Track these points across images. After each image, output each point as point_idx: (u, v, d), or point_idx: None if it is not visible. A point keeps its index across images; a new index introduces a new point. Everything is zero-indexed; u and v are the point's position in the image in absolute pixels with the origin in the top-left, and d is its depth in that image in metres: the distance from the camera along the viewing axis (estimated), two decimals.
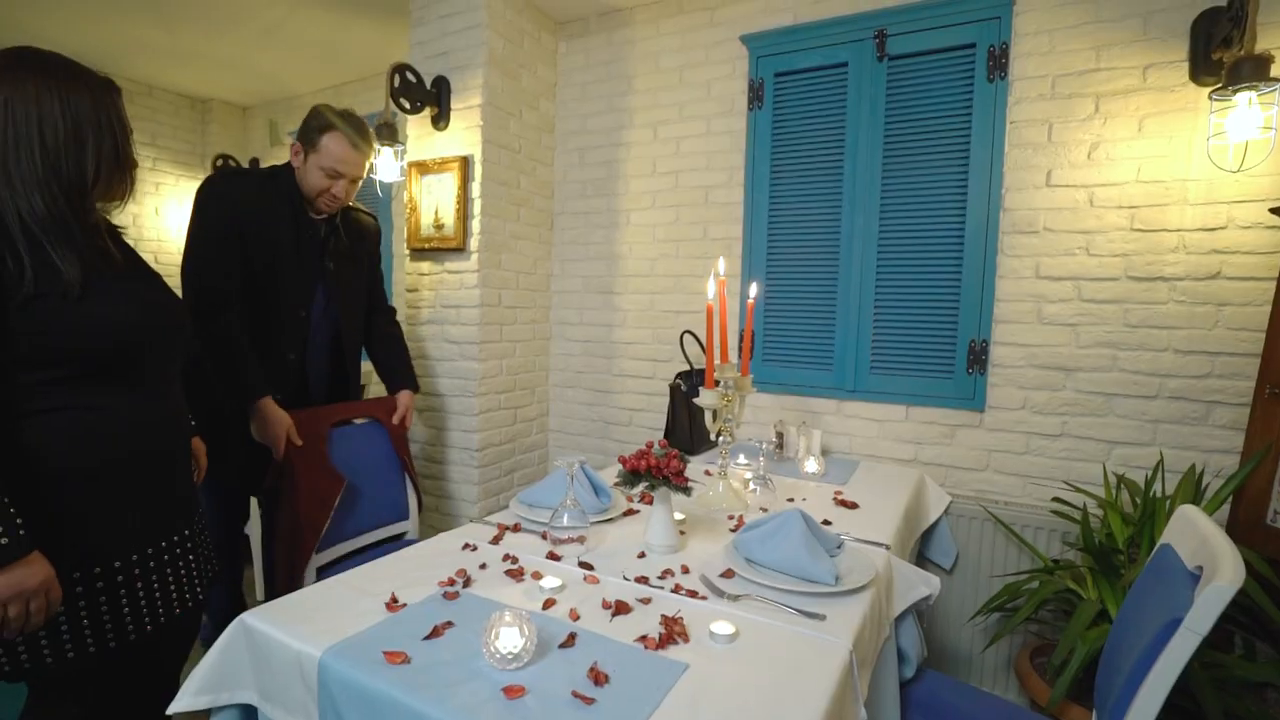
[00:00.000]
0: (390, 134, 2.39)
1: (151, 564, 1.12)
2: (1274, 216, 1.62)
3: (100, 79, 1.08)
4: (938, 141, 2.12)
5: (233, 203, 1.73)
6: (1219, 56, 1.67)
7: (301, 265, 1.83)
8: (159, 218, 3.89)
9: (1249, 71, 1.52)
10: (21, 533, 0.92)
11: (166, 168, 3.93)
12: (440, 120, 2.52)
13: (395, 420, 2.03)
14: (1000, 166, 2.03)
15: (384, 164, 2.45)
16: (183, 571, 1.18)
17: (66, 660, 1.02)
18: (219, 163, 3.98)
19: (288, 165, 1.84)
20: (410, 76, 2.45)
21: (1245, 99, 1.55)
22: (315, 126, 1.77)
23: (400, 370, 2.13)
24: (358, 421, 1.97)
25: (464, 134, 2.49)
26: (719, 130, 2.52)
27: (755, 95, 2.42)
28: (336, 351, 1.99)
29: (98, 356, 1.04)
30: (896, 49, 2.16)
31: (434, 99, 2.50)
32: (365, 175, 1.89)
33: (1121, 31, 1.87)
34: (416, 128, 2.61)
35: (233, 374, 1.70)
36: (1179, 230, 1.83)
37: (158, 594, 1.12)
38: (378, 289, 2.15)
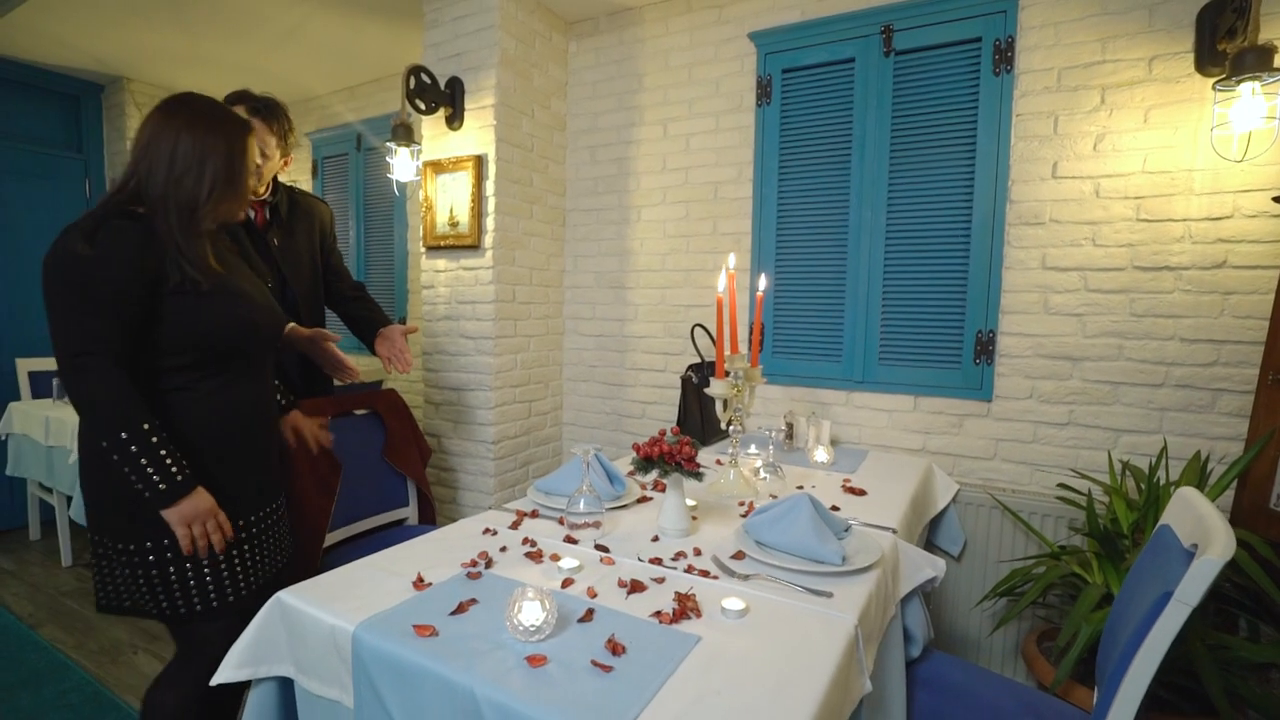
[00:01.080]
0: (406, 134, 2.45)
1: (267, 523, 1.41)
2: (1277, 205, 1.63)
3: (235, 121, 1.31)
4: (944, 135, 2.15)
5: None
6: (1224, 47, 1.69)
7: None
8: None
9: (1252, 62, 1.54)
10: (186, 470, 1.20)
11: None
12: (454, 120, 2.57)
13: (391, 356, 1.95)
14: (1006, 159, 2.06)
15: (400, 164, 2.51)
16: (281, 533, 1.48)
17: (212, 607, 1.29)
18: None
19: None
20: (425, 78, 2.50)
21: (1249, 89, 1.57)
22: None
23: (377, 316, 2.10)
24: (359, 413, 2.04)
25: (478, 133, 2.55)
26: (728, 126, 2.56)
27: (763, 91, 2.45)
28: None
29: (216, 345, 1.27)
30: (903, 44, 2.19)
31: (448, 99, 2.56)
32: (278, 149, 1.87)
33: (1127, 23, 1.89)
34: (431, 128, 2.66)
35: None
36: (1185, 220, 1.85)
37: (266, 552, 1.41)
38: (341, 268, 2.15)
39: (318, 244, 2.07)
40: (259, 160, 1.81)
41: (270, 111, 1.84)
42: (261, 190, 1.89)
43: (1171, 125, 1.85)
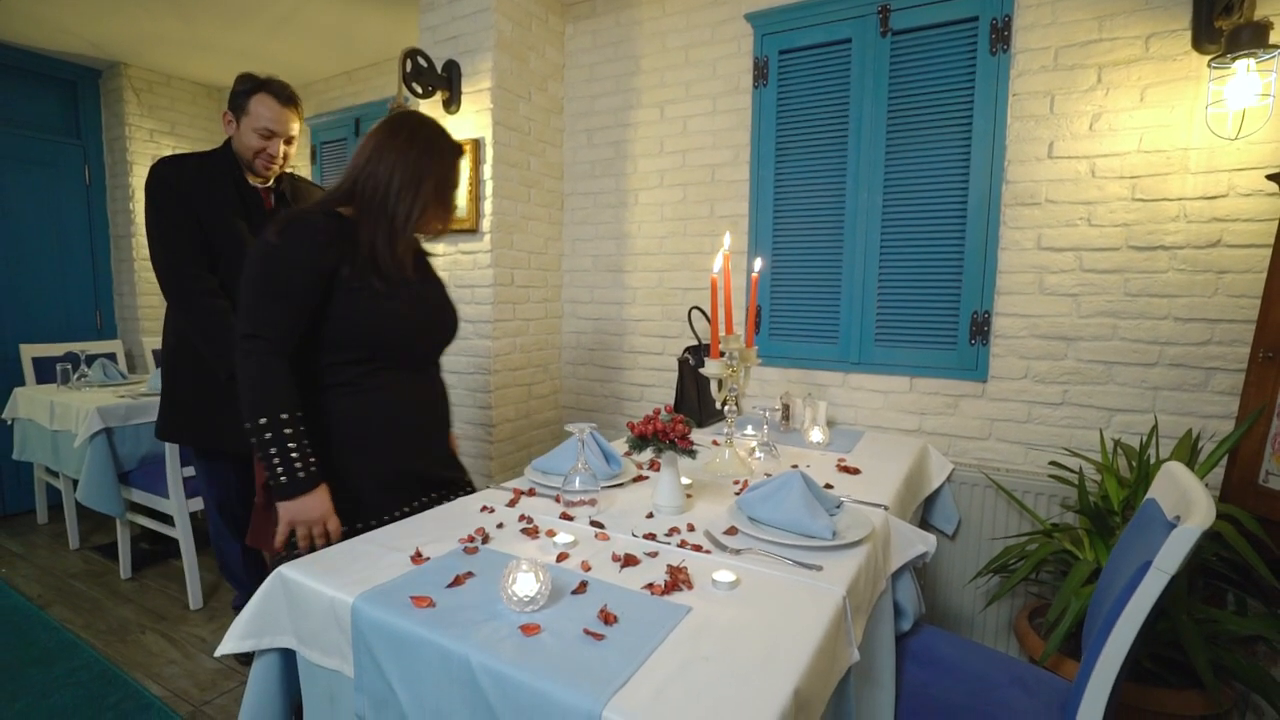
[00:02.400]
0: None
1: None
2: (1272, 184, 1.63)
3: (453, 146, 1.39)
4: (941, 116, 2.14)
5: (179, 184, 1.84)
6: (1220, 24, 1.68)
7: (253, 234, 1.90)
8: None
9: (1248, 38, 1.53)
10: (312, 470, 1.23)
11: None
12: (452, 104, 2.57)
13: None
14: (1003, 139, 2.06)
15: None
16: None
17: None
18: None
19: (226, 142, 1.93)
20: (421, 61, 2.50)
21: (1244, 66, 1.57)
22: (242, 91, 1.86)
23: None
24: None
25: (475, 117, 2.54)
26: (725, 109, 2.55)
27: (760, 73, 2.45)
28: None
29: (384, 342, 1.32)
30: (900, 24, 2.18)
31: (445, 83, 2.55)
32: (298, 136, 1.97)
33: (1124, 1, 1.88)
34: (429, 112, 2.64)
35: (220, 347, 1.81)
36: (1180, 199, 1.85)
37: None
38: None
39: None
40: (282, 141, 1.90)
41: (296, 98, 1.92)
42: (273, 172, 1.95)
43: (1168, 104, 1.84)
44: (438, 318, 1.46)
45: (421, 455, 1.43)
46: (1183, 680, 1.55)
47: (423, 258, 1.50)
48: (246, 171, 1.94)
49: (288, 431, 1.20)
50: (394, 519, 1.35)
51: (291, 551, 1.25)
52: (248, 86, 1.86)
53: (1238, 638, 1.60)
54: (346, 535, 1.28)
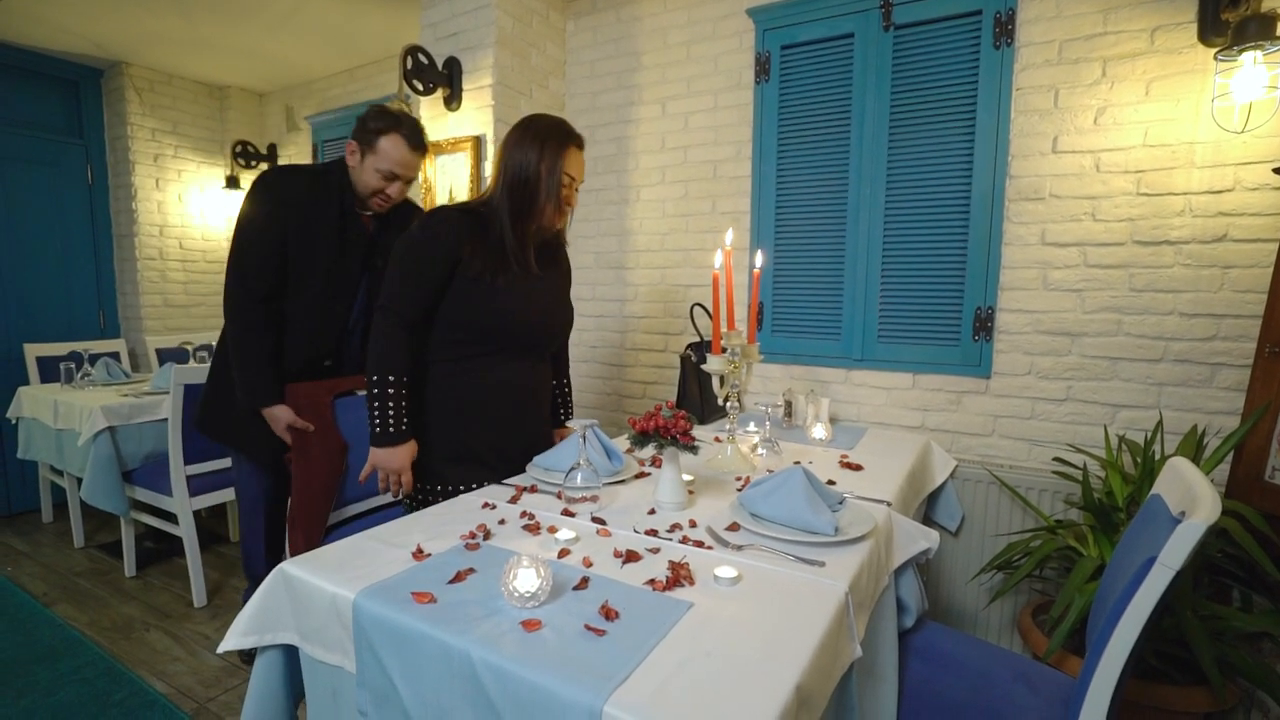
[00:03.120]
0: None
1: None
2: (1278, 177, 1.62)
3: (558, 135, 1.47)
4: (944, 110, 2.13)
5: (278, 198, 1.79)
6: (1226, 16, 1.67)
7: (344, 263, 1.86)
8: (181, 204, 4.00)
9: (1254, 30, 1.52)
10: (403, 428, 1.44)
11: (188, 155, 4.03)
12: (453, 101, 2.57)
13: None
14: (1006, 134, 2.04)
15: None
16: None
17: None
18: (238, 149, 4.07)
19: (341, 162, 1.85)
20: (422, 58, 2.50)
21: (1250, 59, 1.56)
22: (373, 129, 1.77)
23: None
24: (360, 393, 2.05)
25: (476, 114, 2.54)
26: (727, 104, 2.54)
27: (762, 68, 2.44)
28: None
29: (488, 331, 1.49)
30: (902, 18, 2.16)
31: (446, 80, 2.55)
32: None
33: None
34: (429, 109, 2.66)
35: (246, 376, 1.81)
36: (1185, 193, 1.84)
37: None
38: None
39: None
40: (402, 183, 1.86)
41: (426, 144, 1.87)
42: (383, 209, 1.90)
43: (1173, 97, 1.83)
44: (547, 316, 1.60)
45: (503, 439, 1.57)
46: (1187, 677, 1.54)
47: (551, 252, 1.62)
48: (356, 201, 1.87)
49: (391, 391, 1.41)
50: (454, 493, 1.50)
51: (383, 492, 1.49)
52: (381, 125, 1.76)
53: (1243, 634, 1.59)
54: (431, 492, 1.53)
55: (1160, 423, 1.80)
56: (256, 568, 2.13)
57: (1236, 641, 1.56)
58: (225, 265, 1.83)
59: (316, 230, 1.82)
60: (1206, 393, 1.85)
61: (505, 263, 1.47)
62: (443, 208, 1.49)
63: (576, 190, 1.55)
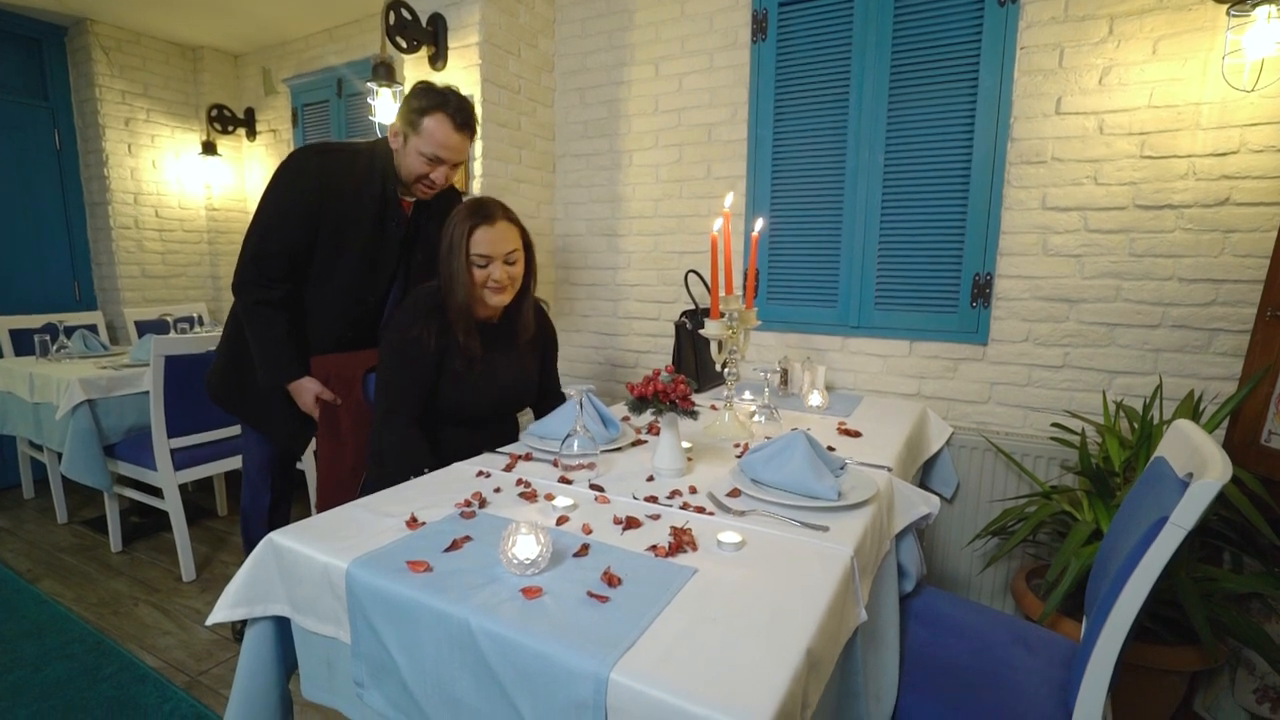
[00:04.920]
0: (388, 74, 2.36)
1: None
2: None
3: (477, 216, 1.49)
4: (945, 71, 2.08)
5: (319, 186, 1.63)
6: None
7: (380, 253, 1.72)
8: (156, 170, 3.85)
9: None
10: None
11: (161, 119, 3.87)
12: (438, 60, 2.47)
13: None
14: (1009, 95, 2.00)
15: (383, 105, 2.42)
16: None
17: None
18: (213, 113, 3.92)
19: (383, 142, 1.70)
20: (405, 14, 2.39)
21: (1265, 13, 1.51)
22: (416, 107, 1.60)
23: None
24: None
25: (462, 73, 2.45)
26: (722, 65, 2.47)
27: (759, 27, 2.36)
28: None
29: (448, 409, 1.57)
30: None
31: (430, 37, 2.45)
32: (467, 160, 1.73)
33: None
34: (414, 69, 2.56)
35: (264, 353, 1.69)
36: (1189, 156, 1.81)
37: None
38: None
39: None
40: (448, 168, 1.68)
41: (474, 123, 1.68)
42: (428, 196, 1.73)
43: (1180, 56, 1.79)
44: (505, 396, 1.64)
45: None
46: (1177, 637, 1.56)
47: (510, 326, 1.64)
48: (400, 188, 1.70)
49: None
50: None
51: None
52: (424, 103, 1.59)
53: (1233, 595, 1.61)
54: None
55: (1159, 387, 1.80)
56: (256, 533, 2.05)
57: (1225, 602, 1.57)
58: (242, 239, 1.68)
59: (355, 218, 1.66)
60: (1203, 358, 1.84)
61: (459, 351, 1.52)
62: (413, 304, 1.53)
63: (508, 263, 1.52)
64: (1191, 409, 1.71)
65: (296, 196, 1.63)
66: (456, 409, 1.57)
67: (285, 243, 1.64)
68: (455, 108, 1.61)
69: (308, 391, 1.71)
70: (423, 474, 1.36)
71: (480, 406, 1.60)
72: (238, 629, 2.08)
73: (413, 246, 1.79)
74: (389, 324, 1.56)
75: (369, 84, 2.40)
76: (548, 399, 1.82)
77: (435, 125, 1.59)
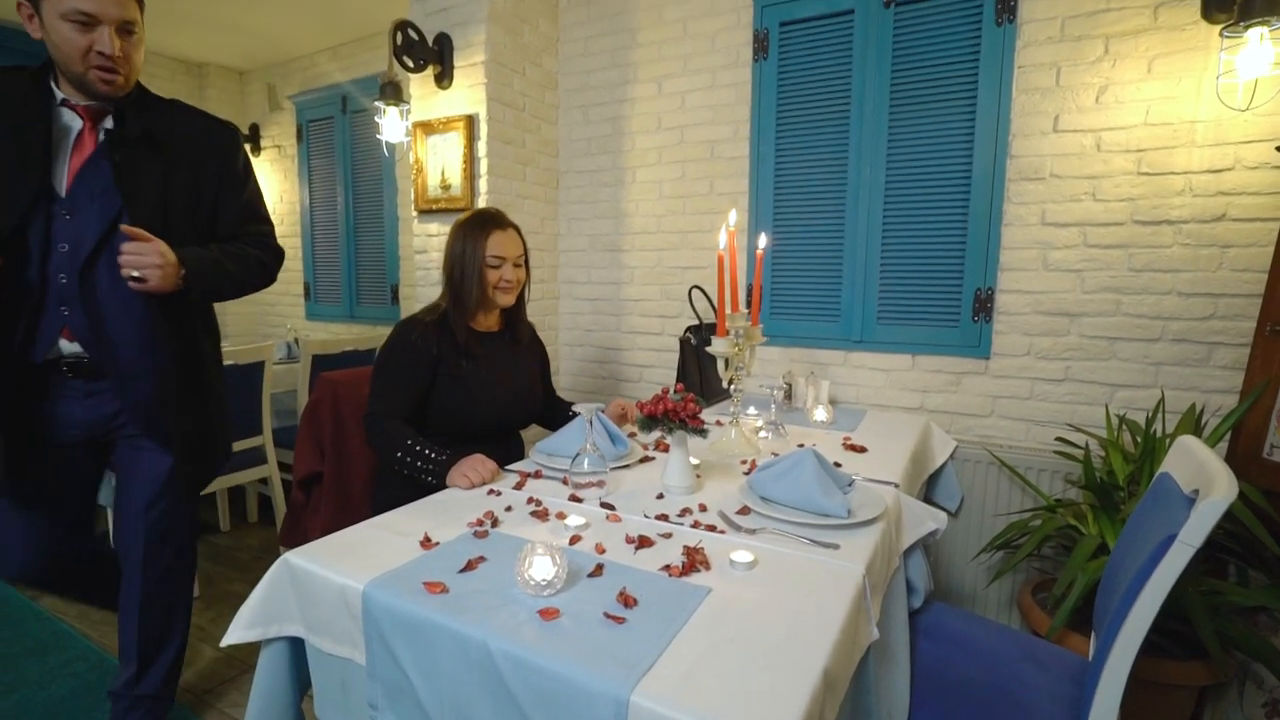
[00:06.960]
0: (395, 92, 2.38)
1: None
2: (1278, 155, 1.62)
3: (491, 222, 1.63)
4: (945, 89, 2.11)
5: None
6: None
7: (32, 181, 1.25)
8: None
9: (1262, 6, 1.51)
10: (445, 454, 1.45)
11: None
12: (444, 79, 2.50)
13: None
14: (1007, 113, 2.03)
15: (389, 124, 2.44)
16: None
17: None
18: None
19: (48, 60, 1.30)
20: (412, 34, 2.42)
21: (1257, 35, 1.54)
22: None
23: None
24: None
25: (468, 92, 2.48)
26: (724, 83, 2.50)
27: (760, 46, 2.39)
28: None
29: (455, 421, 1.63)
30: None
31: (436, 56, 2.48)
32: (138, 20, 1.30)
33: None
34: (420, 87, 2.59)
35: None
36: (1186, 173, 1.84)
37: None
38: (247, 223, 1.52)
39: (191, 185, 1.42)
40: (112, 29, 1.24)
41: None
42: (119, 83, 1.30)
43: (1175, 75, 1.82)
44: (510, 404, 1.70)
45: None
46: (1186, 652, 1.56)
47: (512, 332, 1.74)
48: (78, 91, 1.29)
49: (417, 449, 1.46)
50: None
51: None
52: None
53: (1240, 609, 1.61)
54: None
55: (1161, 401, 1.81)
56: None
57: (1233, 616, 1.58)
58: None
59: (14, 144, 1.25)
60: (1203, 371, 1.86)
61: (462, 355, 1.60)
62: (412, 318, 1.61)
63: (516, 265, 1.64)
64: (1193, 422, 1.73)
65: None
66: (463, 420, 1.61)
67: None
68: None
69: None
70: (417, 451, 1.45)
71: (487, 416, 1.64)
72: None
73: (110, 152, 1.30)
74: (388, 338, 1.60)
75: (376, 103, 2.43)
76: (552, 408, 1.91)
77: None
